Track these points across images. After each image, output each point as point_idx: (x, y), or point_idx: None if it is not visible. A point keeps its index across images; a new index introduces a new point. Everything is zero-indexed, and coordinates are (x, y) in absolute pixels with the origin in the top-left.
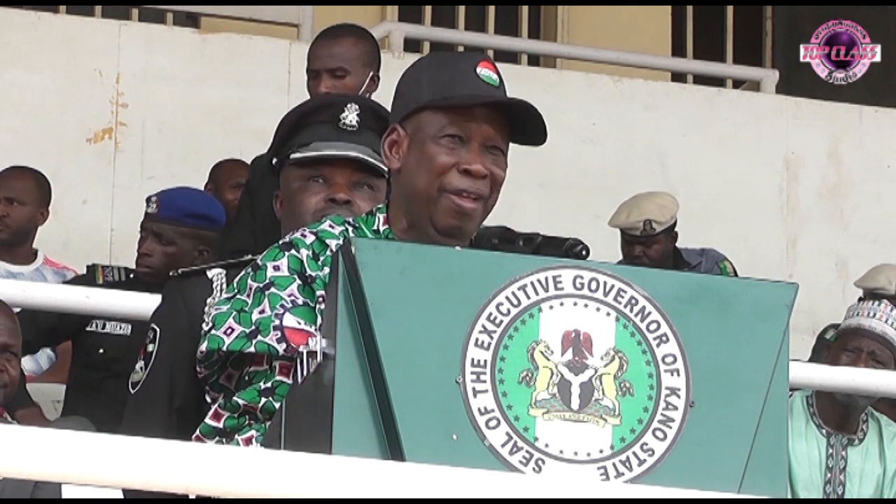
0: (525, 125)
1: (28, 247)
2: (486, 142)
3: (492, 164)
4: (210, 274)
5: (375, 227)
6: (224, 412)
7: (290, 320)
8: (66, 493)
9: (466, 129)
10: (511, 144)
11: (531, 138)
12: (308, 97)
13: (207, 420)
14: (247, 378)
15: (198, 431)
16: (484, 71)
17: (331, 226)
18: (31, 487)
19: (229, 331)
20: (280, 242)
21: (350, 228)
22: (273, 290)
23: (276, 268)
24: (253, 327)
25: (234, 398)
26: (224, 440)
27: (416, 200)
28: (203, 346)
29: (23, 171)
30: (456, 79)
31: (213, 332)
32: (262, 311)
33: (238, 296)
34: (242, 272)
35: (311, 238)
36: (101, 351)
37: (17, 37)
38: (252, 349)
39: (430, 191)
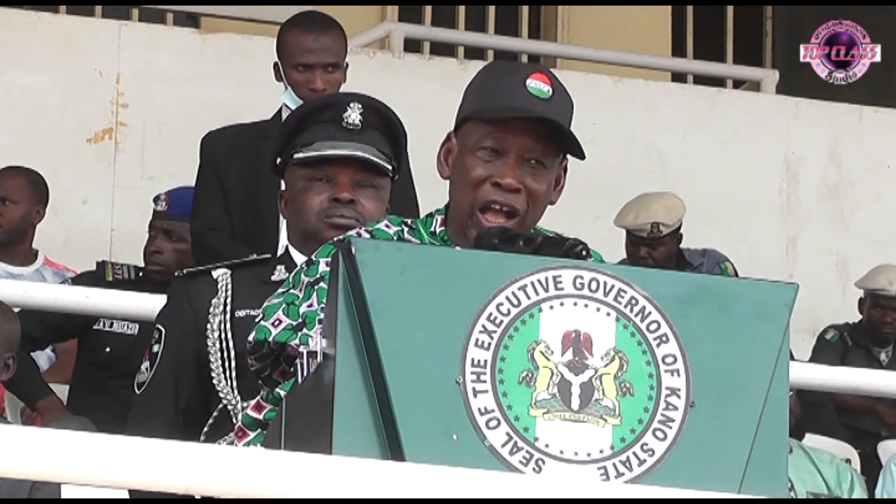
0: (567, 139)
1: (27, 247)
2: (523, 154)
3: (529, 178)
4: (215, 274)
5: (433, 229)
6: (266, 404)
7: None
8: (66, 493)
9: (503, 142)
10: None
11: (572, 151)
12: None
13: (249, 411)
14: (293, 370)
15: (239, 422)
16: (534, 83)
17: (387, 225)
18: (28, 487)
19: (277, 322)
20: (335, 239)
21: (406, 229)
22: (322, 284)
23: (329, 264)
24: (300, 320)
25: (276, 390)
26: (264, 432)
27: (458, 211)
28: (251, 337)
29: (15, 170)
30: (503, 90)
31: (261, 322)
32: (310, 305)
33: (291, 290)
34: (297, 267)
35: (366, 237)
36: (108, 350)
37: (17, 37)
38: (297, 341)
39: (465, 204)
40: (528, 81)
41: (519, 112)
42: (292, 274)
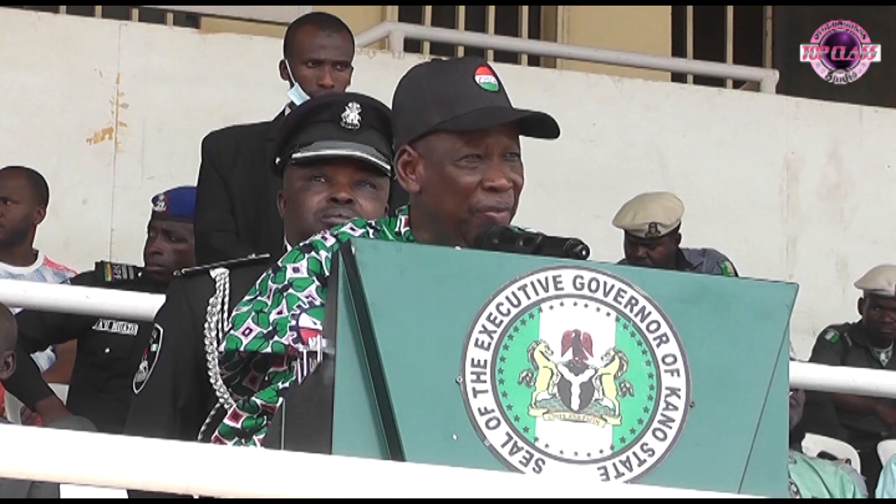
0: (535, 123)
1: (27, 247)
2: (504, 152)
3: (511, 173)
4: (213, 274)
5: (397, 230)
6: (242, 413)
7: (305, 321)
8: (65, 492)
9: (483, 146)
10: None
11: (543, 134)
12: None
13: (226, 421)
14: (267, 379)
15: (216, 432)
16: (483, 78)
17: (352, 228)
18: (27, 487)
19: (247, 331)
20: (300, 244)
21: (371, 231)
22: (291, 291)
23: (296, 269)
24: (270, 328)
25: (253, 398)
26: (242, 441)
27: (446, 221)
28: (222, 347)
29: (16, 170)
30: (459, 93)
31: (232, 332)
32: (279, 312)
33: (259, 297)
34: (264, 274)
35: (331, 241)
36: (108, 350)
37: (17, 37)
38: (269, 349)
39: (459, 213)
40: (478, 78)
41: (505, 115)
42: (259, 281)
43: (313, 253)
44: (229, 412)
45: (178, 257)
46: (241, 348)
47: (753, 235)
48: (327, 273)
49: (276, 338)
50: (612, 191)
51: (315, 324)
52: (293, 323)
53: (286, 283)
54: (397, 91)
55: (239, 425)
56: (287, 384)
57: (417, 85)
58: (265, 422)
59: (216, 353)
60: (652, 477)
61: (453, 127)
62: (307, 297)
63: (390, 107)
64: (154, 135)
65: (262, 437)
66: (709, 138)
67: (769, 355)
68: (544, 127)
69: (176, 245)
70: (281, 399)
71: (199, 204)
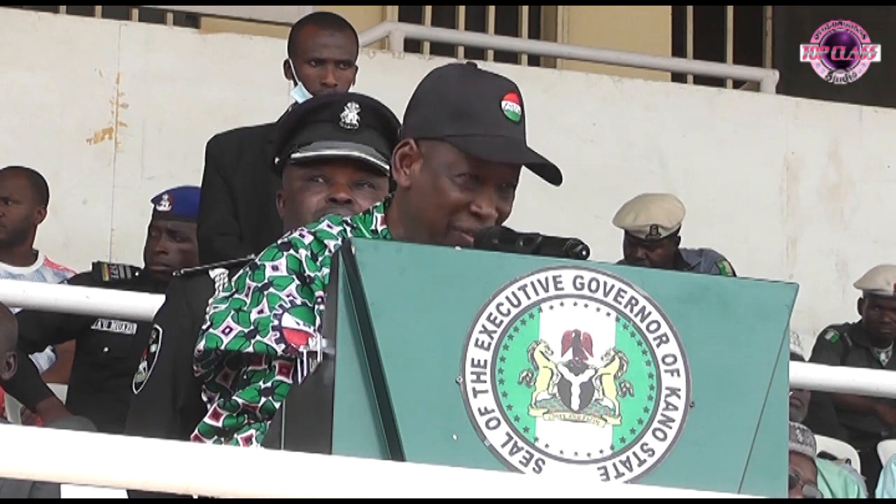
0: (550, 172)
1: (28, 247)
2: (501, 182)
3: (500, 201)
4: (213, 274)
5: (373, 227)
6: (223, 411)
7: (288, 321)
8: (66, 493)
9: (483, 171)
10: None
11: (546, 176)
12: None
13: (206, 419)
14: (245, 377)
15: (196, 431)
16: (509, 105)
17: (329, 226)
18: (28, 487)
19: (227, 330)
20: (278, 242)
21: (348, 228)
22: (272, 289)
23: (275, 268)
24: (251, 327)
25: (234, 397)
26: (223, 439)
27: (423, 225)
28: (200, 345)
29: (16, 170)
30: (479, 113)
31: (210, 330)
32: (260, 311)
33: (236, 295)
34: (241, 271)
35: (309, 238)
36: (107, 350)
37: (17, 37)
38: (251, 349)
39: (438, 223)
40: (504, 104)
41: (514, 156)
42: (235, 278)
43: (292, 251)
44: (209, 411)
45: (182, 257)
46: (222, 347)
47: (753, 235)
48: (307, 271)
49: (258, 337)
50: (612, 191)
51: (298, 324)
52: (276, 323)
53: (266, 281)
54: (423, 83)
55: (219, 424)
56: (269, 384)
57: (444, 87)
58: (246, 420)
59: (196, 352)
60: (652, 477)
61: (461, 144)
62: (288, 297)
63: (391, 106)
64: (154, 135)
65: (243, 435)
66: (709, 138)
67: (769, 355)
68: (548, 170)
69: (181, 245)
70: (264, 399)
71: (203, 208)
